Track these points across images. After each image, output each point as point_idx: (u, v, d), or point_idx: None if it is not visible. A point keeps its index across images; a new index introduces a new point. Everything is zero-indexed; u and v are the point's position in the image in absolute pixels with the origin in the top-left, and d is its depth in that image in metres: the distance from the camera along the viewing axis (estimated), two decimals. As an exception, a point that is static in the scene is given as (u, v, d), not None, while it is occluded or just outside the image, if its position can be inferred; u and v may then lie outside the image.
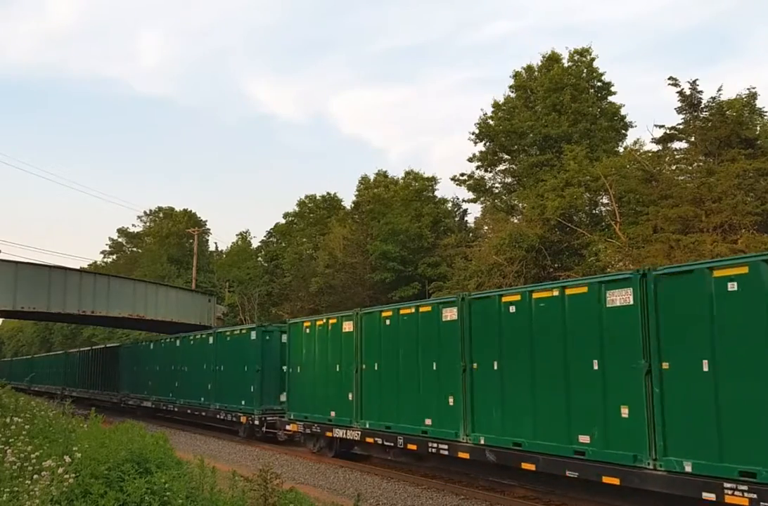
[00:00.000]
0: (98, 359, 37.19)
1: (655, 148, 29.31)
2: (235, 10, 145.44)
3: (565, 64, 35.23)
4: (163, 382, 27.27)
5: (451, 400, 12.15)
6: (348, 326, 15.54)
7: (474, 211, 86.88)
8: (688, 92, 26.80)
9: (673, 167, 28.30)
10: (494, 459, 11.09)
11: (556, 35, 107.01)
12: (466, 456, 11.64)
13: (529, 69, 36.46)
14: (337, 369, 15.67)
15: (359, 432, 14.59)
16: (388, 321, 14.18)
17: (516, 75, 36.42)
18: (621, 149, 33.94)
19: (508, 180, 36.26)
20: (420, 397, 13.01)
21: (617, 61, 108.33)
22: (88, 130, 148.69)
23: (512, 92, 36.30)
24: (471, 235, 39.39)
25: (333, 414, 15.72)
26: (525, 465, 10.36)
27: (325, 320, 16.55)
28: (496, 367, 11.26)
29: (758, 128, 28.48)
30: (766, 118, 29.14)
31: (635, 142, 34.31)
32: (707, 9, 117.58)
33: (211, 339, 23.43)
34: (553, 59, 35.45)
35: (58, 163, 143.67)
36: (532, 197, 30.50)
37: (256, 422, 19.61)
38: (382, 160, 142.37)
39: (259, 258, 58.25)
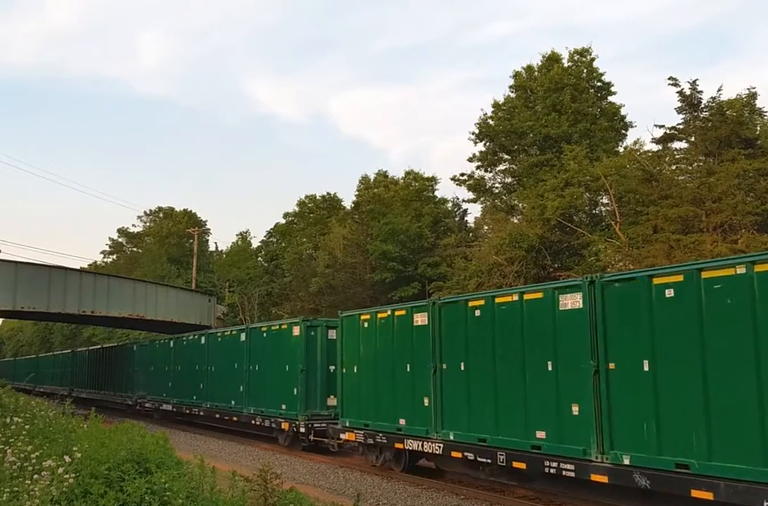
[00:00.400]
0: (110, 358, 35.08)
1: (655, 148, 29.36)
2: (235, 10, 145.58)
3: (565, 64, 35.26)
4: (185, 383, 25.14)
5: (575, 409, 9.80)
6: (421, 318, 13.26)
7: (474, 211, 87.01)
8: (688, 92, 26.82)
9: (673, 167, 28.31)
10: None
11: (557, 35, 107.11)
12: (603, 479, 9.32)
13: (529, 69, 36.48)
14: (408, 370, 13.40)
15: (441, 445, 12.31)
16: (478, 312, 11.73)
17: (516, 75, 36.45)
18: (621, 149, 33.97)
19: (508, 180, 36.29)
20: (527, 404, 10.69)
21: (617, 61, 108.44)
22: (88, 130, 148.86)
23: (512, 92, 36.34)
24: (471, 234, 39.41)
25: (403, 422, 13.46)
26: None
27: (389, 312, 14.30)
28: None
29: (758, 128, 28.51)
30: (766, 118, 29.17)
31: (635, 142, 34.37)
32: (707, 9, 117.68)
33: (242, 336, 21.24)
34: (553, 59, 35.47)
35: (58, 163, 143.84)
36: (532, 197, 30.51)
37: (302, 429, 17.33)
38: (382, 160, 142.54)
39: (259, 258, 58.29)
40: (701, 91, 26.83)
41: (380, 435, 14.01)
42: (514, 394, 10.85)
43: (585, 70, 35.20)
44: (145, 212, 76.80)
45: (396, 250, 37.43)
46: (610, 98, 35.44)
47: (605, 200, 30.49)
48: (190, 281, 53.52)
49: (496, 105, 35.89)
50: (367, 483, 13.41)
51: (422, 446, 12.77)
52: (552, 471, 9.87)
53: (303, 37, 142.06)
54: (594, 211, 32.08)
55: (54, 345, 77.15)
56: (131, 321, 33.85)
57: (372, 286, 38.22)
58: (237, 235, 73.98)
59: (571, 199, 28.39)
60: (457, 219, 43.96)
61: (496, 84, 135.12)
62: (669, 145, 28.47)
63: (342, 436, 15.38)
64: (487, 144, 35.78)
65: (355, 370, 15.15)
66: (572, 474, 9.70)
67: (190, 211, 73.76)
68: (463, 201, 40.44)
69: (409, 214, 39.74)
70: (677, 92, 26.93)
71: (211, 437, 22.43)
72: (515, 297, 11.04)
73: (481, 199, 37.25)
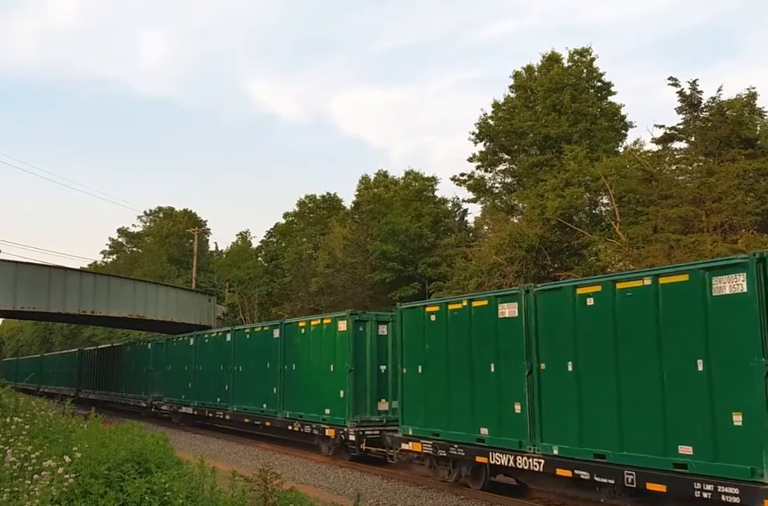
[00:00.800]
0: (121, 357, 33.38)
1: (655, 148, 29.35)
2: (235, 10, 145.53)
3: (565, 64, 35.24)
4: (208, 384, 23.34)
5: (738, 419, 7.98)
6: (509, 310, 11.31)
7: (474, 211, 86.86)
8: (688, 92, 26.81)
9: (673, 167, 28.31)
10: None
11: (557, 35, 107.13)
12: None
13: (529, 69, 36.47)
14: (492, 370, 11.46)
15: (541, 461, 10.35)
16: (591, 301, 10.03)
17: (516, 75, 36.44)
18: (621, 149, 33.97)
19: (508, 180, 36.28)
20: (665, 411, 8.86)
21: (617, 62, 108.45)
22: (89, 129, 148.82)
23: (512, 92, 36.32)
24: (471, 234, 39.41)
25: (485, 432, 11.52)
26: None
27: (465, 303, 12.28)
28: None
29: (758, 128, 28.48)
30: (766, 118, 29.14)
31: (635, 142, 34.35)
32: (707, 9, 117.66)
33: (276, 333, 19.45)
34: (553, 59, 35.46)
35: (58, 162, 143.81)
36: (532, 197, 30.51)
37: (351, 437, 15.39)
38: (382, 160, 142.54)
39: (259, 258, 58.25)
40: (701, 91, 26.84)
41: (455, 446, 12.00)
42: (648, 398, 9.03)
43: (585, 70, 35.19)
44: (145, 212, 76.90)
45: (396, 250, 37.43)
46: (610, 98, 35.47)
47: (605, 200, 30.49)
48: (190, 281, 53.52)
49: (496, 105, 35.89)
50: (367, 483, 13.42)
51: (514, 461, 10.76)
52: (706, 495, 8.14)
53: (303, 37, 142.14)
54: (594, 211, 32.08)
55: (54, 345, 77.19)
56: (131, 321, 33.84)
57: (372, 286, 38.22)
58: (237, 235, 74.02)
59: (571, 199, 28.39)
60: (457, 219, 43.96)
61: (496, 84, 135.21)
62: (669, 145, 28.48)
63: (404, 446, 13.32)
64: (487, 144, 35.77)
65: (420, 370, 13.11)
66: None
67: (190, 211, 73.84)
68: (463, 201, 40.49)
69: (409, 214, 39.72)
70: (677, 92, 26.94)
71: (211, 437, 22.41)
72: (647, 281, 9.26)
73: (481, 199, 37.25)
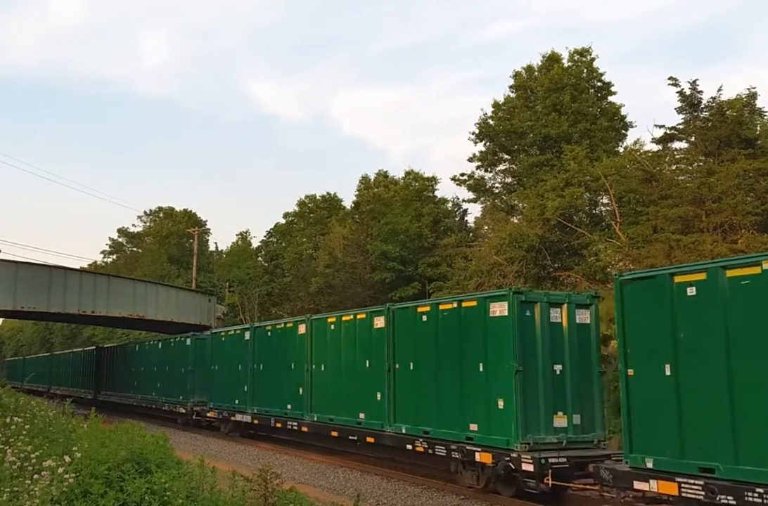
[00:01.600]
0: (148, 356, 30.05)
1: (655, 148, 29.31)
2: (236, 10, 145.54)
3: (565, 64, 35.22)
4: (272, 387, 19.45)
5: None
6: None
7: (474, 211, 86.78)
8: (688, 92, 26.79)
9: (673, 167, 28.29)
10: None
11: (557, 35, 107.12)
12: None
13: (529, 69, 36.45)
14: None
15: None
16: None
17: (516, 75, 36.42)
18: (621, 149, 33.93)
19: (508, 180, 36.25)
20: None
21: (618, 62, 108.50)
22: (89, 129, 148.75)
23: (512, 92, 36.29)
24: (471, 235, 39.40)
25: None
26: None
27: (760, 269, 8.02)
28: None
29: (758, 128, 28.44)
30: (766, 118, 29.10)
31: (635, 142, 34.27)
32: (707, 9, 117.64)
33: (378, 322, 15.10)
34: (553, 59, 35.44)
35: (58, 162, 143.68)
36: (532, 197, 30.51)
37: (524, 466, 10.85)
38: (382, 160, 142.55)
39: (259, 258, 58.25)
40: (701, 91, 26.81)
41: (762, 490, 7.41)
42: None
43: (585, 70, 35.16)
44: (145, 212, 76.84)
45: (396, 249, 37.43)
46: (610, 98, 35.43)
47: (605, 200, 30.47)
48: (190, 281, 53.52)
49: (496, 105, 35.87)
50: (367, 483, 13.41)
51: None
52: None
53: (304, 37, 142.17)
54: (594, 211, 32.05)
55: (54, 345, 77.17)
56: (131, 321, 33.82)
57: (372, 286, 38.21)
58: (237, 235, 73.91)
59: (571, 199, 28.38)
60: (457, 219, 43.97)
61: (497, 84, 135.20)
62: (669, 145, 28.45)
63: (639, 486, 8.81)
64: (487, 144, 35.75)
65: (668, 372, 8.73)
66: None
67: (190, 211, 73.78)
68: (463, 201, 40.45)
69: (409, 214, 39.72)
70: (677, 92, 26.90)
71: (211, 437, 22.40)
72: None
73: (481, 199, 37.23)
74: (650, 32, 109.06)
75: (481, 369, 12.08)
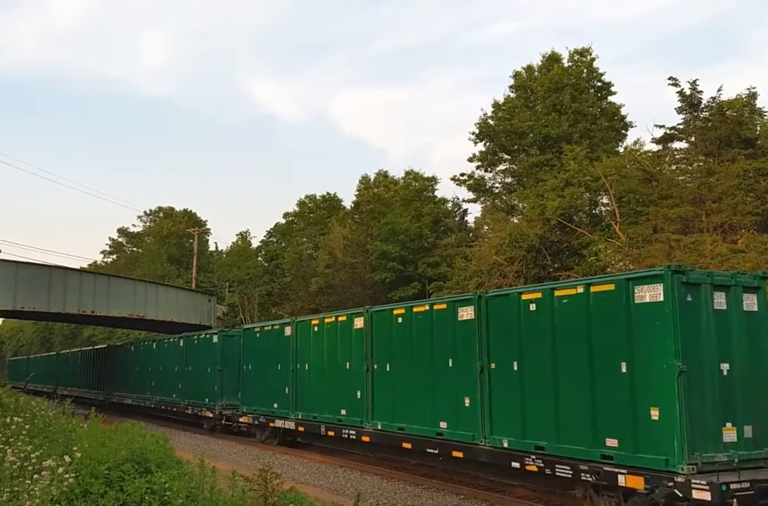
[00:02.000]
0: (167, 354, 27.68)
1: (655, 148, 29.37)
2: (236, 10, 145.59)
3: (566, 64, 35.23)
4: (320, 390, 16.88)
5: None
6: None
7: (474, 211, 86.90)
8: (688, 92, 26.84)
9: (673, 167, 28.32)
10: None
11: (557, 36, 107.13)
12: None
13: (529, 69, 36.47)
14: None
15: None
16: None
17: (516, 75, 36.44)
18: (621, 149, 33.95)
19: (508, 180, 36.27)
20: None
21: (618, 62, 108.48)
22: (89, 129, 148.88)
23: (512, 92, 36.31)
24: (471, 235, 39.38)
25: None
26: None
27: None
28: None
29: (758, 128, 28.47)
30: (766, 118, 29.13)
31: (635, 142, 34.30)
32: (707, 9, 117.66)
33: (464, 312, 12.53)
34: (553, 59, 35.45)
35: (59, 162, 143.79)
36: (532, 197, 30.50)
37: (695, 494, 8.30)
38: (382, 160, 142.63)
39: (259, 258, 58.26)
40: (701, 91, 26.86)
41: None
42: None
43: (585, 70, 35.17)
44: (145, 212, 76.88)
45: (396, 249, 37.43)
46: (610, 98, 35.45)
47: (605, 200, 30.48)
48: (190, 281, 53.52)
49: (496, 105, 35.87)
50: (367, 483, 13.41)
51: None
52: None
53: (304, 37, 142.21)
54: (594, 211, 32.05)
55: (54, 345, 77.16)
56: (131, 321, 33.81)
57: (372, 286, 38.21)
58: (237, 235, 73.96)
59: (571, 199, 28.38)
60: (457, 219, 43.95)
61: (497, 84, 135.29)
62: (669, 145, 28.49)
63: None
64: (487, 144, 35.76)
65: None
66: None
67: (190, 211, 73.82)
68: (463, 201, 40.46)
69: (409, 214, 39.73)
70: (677, 92, 26.96)
71: (210, 437, 22.39)
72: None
73: (481, 199, 37.24)
74: (650, 32, 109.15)
75: (624, 370, 9.38)
